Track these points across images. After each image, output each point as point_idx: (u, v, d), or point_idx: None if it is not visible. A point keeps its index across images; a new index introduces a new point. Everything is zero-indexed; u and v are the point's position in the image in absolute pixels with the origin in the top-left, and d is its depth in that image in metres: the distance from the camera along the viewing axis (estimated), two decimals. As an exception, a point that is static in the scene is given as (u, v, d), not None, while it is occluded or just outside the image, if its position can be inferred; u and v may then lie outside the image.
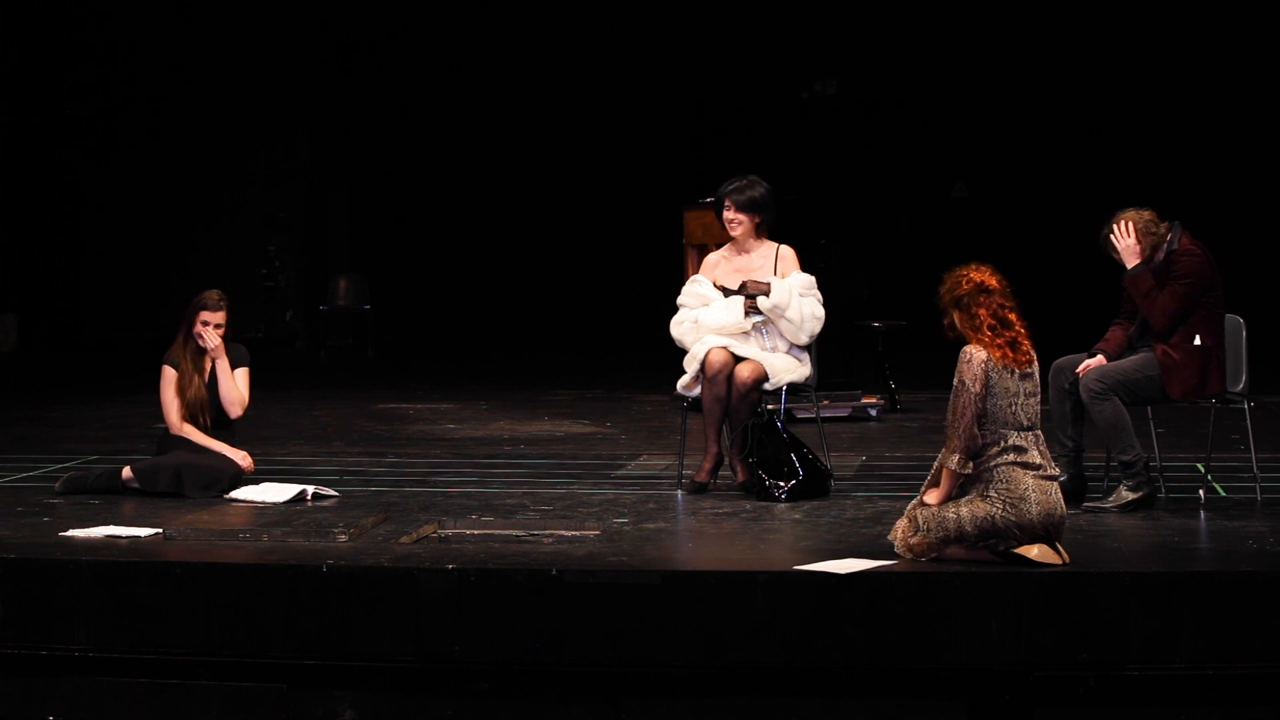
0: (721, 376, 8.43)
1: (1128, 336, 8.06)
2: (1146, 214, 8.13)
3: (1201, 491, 8.09)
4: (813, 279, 8.70)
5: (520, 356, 17.81)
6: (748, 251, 8.76)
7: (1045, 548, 6.39)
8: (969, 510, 6.44)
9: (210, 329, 8.49)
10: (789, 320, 8.56)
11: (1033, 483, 6.46)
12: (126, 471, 8.39)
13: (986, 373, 6.52)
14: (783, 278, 8.64)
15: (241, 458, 8.47)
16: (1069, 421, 8.00)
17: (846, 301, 13.54)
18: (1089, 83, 18.81)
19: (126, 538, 7.16)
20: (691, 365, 8.58)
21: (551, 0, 19.66)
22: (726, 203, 8.74)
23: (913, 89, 19.16)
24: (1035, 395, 6.60)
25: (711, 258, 8.92)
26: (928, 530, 6.48)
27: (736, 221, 8.73)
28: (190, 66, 19.39)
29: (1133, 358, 7.96)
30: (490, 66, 19.86)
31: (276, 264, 19.64)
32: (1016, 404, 6.53)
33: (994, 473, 6.47)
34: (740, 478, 8.45)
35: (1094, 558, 6.58)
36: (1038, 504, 6.42)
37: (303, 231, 19.89)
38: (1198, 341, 7.89)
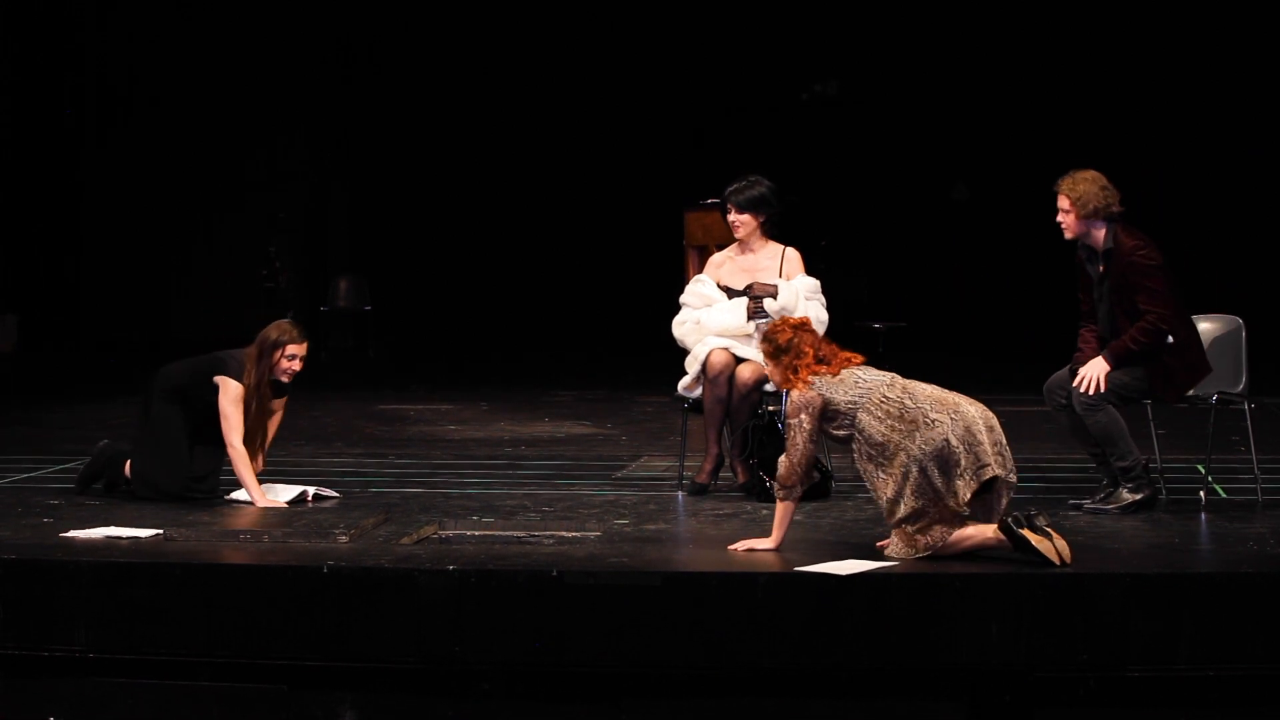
0: (722, 378, 8.44)
1: (1099, 339, 7.99)
2: (1098, 174, 7.89)
3: (1202, 493, 8.09)
4: (817, 283, 8.70)
5: (521, 357, 17.82)
6: (753, 251, 8.76)
7: (1046, 541, 6.38)
8: (915, 471, 6.51)
9: (297, 362, 8.14)
10: None
11: (930, 410, 6.56)
12: (129, 469, 8.34)
13: (818, 401, 6.68)
14: (788, 280, 8.65)
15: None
16: (1083, 430, 7.93)
17: (847, 302, 13.55)
18: (1089, 84, 18.81)
19: (127, 538, 7.16)
20: (692, 366, 8.59)
21: (552, 1, 19.67)
22: (728, 205, 8.76)
23: (913, 90, 19.17)
24: (873, 368, 6.85)
25: (716, 257, 8.93)
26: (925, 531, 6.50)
27: (740, 223, 8.73)
28: (191, 67, 19.40)
29: None
30: (491, 67, 19.87)
31: (277, 265, 19.62)
32: (860, 378, 6.71)
33: (899, 421, 6.58)
34: (741, 479, 8.45)
35: (1094, 559, 6.58)
36: (951, 421, 6.53)
37: (303, 232, 19.90)
38: (1171, 340, 7.82)
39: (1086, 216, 7.84)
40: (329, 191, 20.19)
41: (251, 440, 8.11)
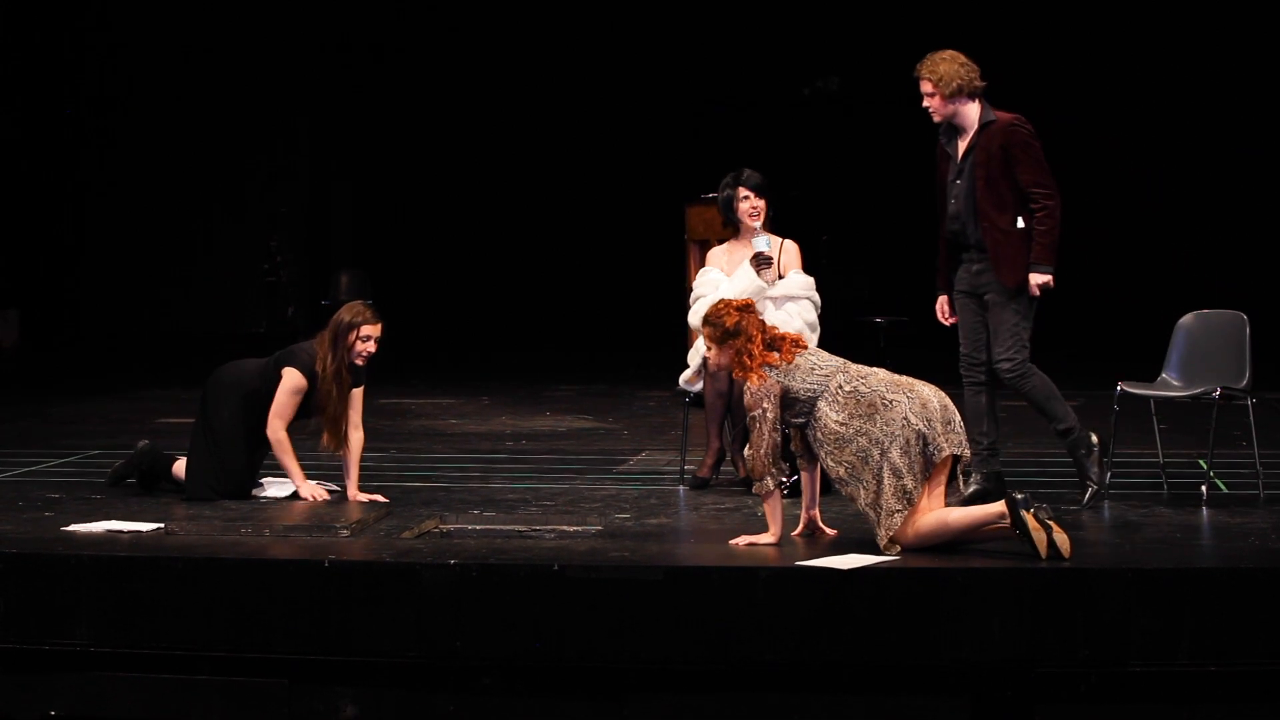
0: (723, 372, 8.42)
1: (950, 236, 8.01)
2: (955, 53, 7.91)
3: (1203, 488, 8.08)
4: (811, 281, 8.66)
5: (522, 351, 17.82)
6: (751, 244, 8.71)
7: (1041, 533, 6.37)
8: (889, 455, 6.52)
9: (372, 343, 7.97)
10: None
11: (886, 391, 6.64)
12: (179, 467, 8.23)
13: (776, 387, 6.72)
14: (785, 271, 8.64)
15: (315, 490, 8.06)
16: (983, 416, 7.90)
17: (848, 298, 13.50)
18: (1089, 80, 18.80)
19: (128, 533, 7.16)
20: (695, 359, 8.58)
21: (554, -3, 19.69)
22: (744, 192, 8.64)
23: (915, 86, 19.14)
24: (821, 350, 6.99)
25: (715, 251, 8.89)
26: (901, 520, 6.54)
27: (759, 208, 8.65)
28: (192, 62, 19.39)
29: (989, 320, 7.87)
30: (493, 61, 19.85)
31: (278, 259, 19.63)
32: (815, 364, 6.77)
33: (861, 409, 6.65)
34: (742, 473, 8.45)
35: (1096, 554, 6.58)
36: (908, 400, 6.60)
37: (304, 227, 19.89)
38: (1020, 225, 7.79)
39: (951, 96, 7.89)
40: (330, 186, 20.18)
41: (336, 428, 7.96)
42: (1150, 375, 8.40)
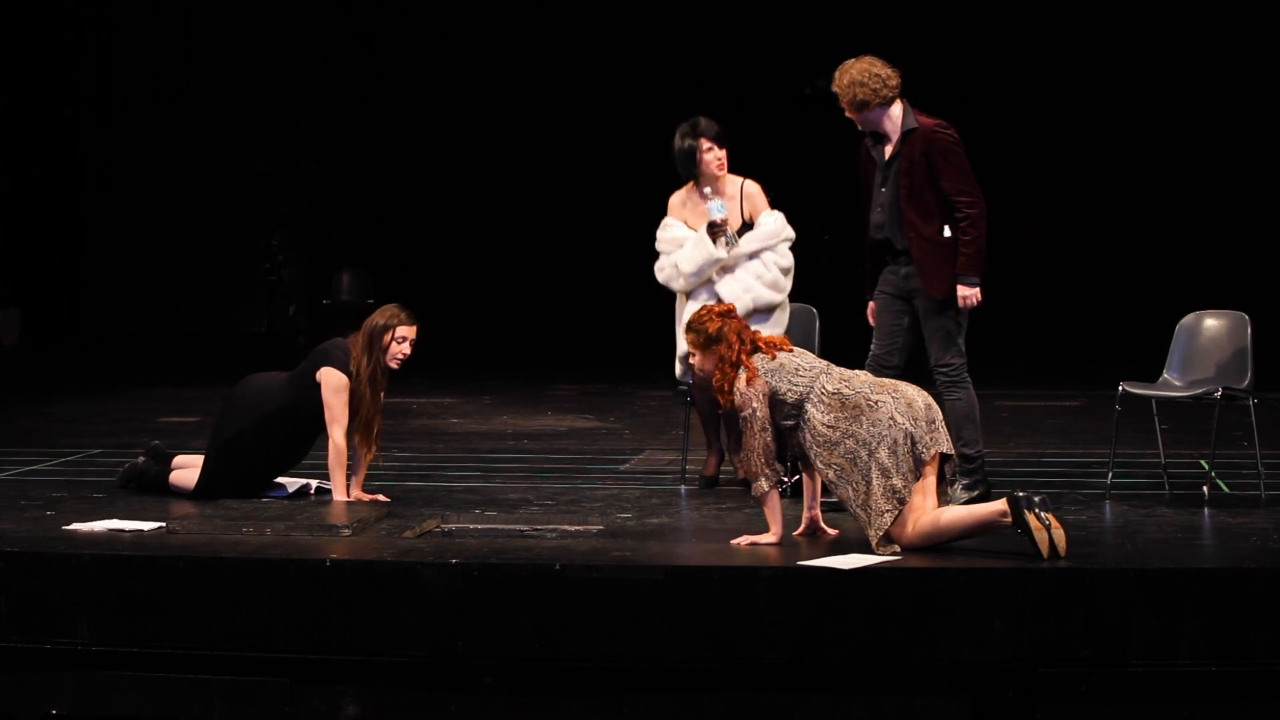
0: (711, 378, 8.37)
1: (875, 248, 7.90)
2: (866, 61, 7.72)
3: (1205, 488, 8.08)
4: (780, 218, 8.56)
5: (523, 351, 17.82)
6: (713, 189, 8.61)
7: (1043, 532, 6.37)
8: (874, 457, 6.54)
9: (408, 345, 7.90)
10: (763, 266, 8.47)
11: (871, 392, 6.64)
12: (176, 477, 8.14)
13: (764, 388, 6.74)
14: (752, 216, 8.55)
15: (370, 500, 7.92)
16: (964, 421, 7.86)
17: (849, 296, 13.41)
18: (1088, 78, 18.80)
19: (130, 531, 7.17)
20: (682, 353, 8.51)
21: (555, -4, 19.69)
22: (706, 144, 8.52)
23: (915, 85, 19.13)
24: (805, 351, 6.98)
25: (676, 198, 8.69)
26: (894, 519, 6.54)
27: (721, 158, 8.53)
28: (192, 61, 19.40)
29: (923, 327, 7.80)
30: (493, 59, 19.85)
31: (279, 258, 19.63)
32: (799, 365, 6.78)
33: (850, 412, 6.65)
34: (740, 473, 8.43)
35: (1096, 554, 6.58)
36: (893, 400, 6.61)
37: (305, 226, 19.89)
38: (946, 234, 7.74)
39: (856, 108, 7.73)
40: (331, 184, 20.19)
41: (368, 431, 7.85)
42: (1152, 375, 8.40)
